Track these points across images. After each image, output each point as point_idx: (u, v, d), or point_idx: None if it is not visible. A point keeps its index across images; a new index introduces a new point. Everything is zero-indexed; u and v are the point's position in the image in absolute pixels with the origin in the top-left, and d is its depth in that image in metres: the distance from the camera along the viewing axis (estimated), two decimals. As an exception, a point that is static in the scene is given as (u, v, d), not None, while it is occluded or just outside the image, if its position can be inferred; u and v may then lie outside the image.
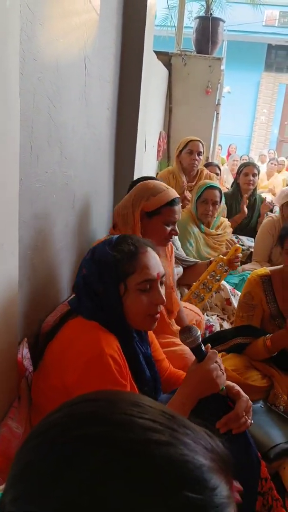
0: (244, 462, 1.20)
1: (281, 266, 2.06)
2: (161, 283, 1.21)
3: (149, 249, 1.21)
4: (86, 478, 0.37)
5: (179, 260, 2.50)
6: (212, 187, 2.88)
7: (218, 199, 2.89)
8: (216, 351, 1.24)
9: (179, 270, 2.47)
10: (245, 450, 1.21)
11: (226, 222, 3.18)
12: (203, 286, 2.42)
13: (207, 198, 2.86)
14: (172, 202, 1.77)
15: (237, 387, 1.28)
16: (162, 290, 1.21)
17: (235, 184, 4.10)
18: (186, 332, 1.23)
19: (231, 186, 4.31)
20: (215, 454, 0.42)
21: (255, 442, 1.45)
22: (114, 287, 1.15)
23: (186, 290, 2.55)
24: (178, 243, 2.65)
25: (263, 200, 4.17)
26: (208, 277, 2.39)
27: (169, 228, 1.80)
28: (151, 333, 1.41)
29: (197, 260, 2.62)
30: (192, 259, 2.61)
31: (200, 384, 1.18)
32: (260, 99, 12.74)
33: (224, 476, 0.41)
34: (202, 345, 1.23)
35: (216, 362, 1.20)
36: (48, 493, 0.38)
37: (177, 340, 1.74)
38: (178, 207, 1.82)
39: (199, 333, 1.23)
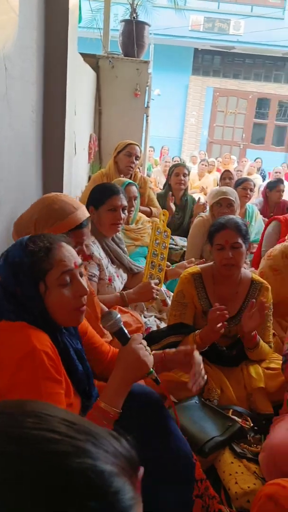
0: (176, 470, 1.22)
1: (211, 263, 2.12)
2: (81, 275, 1.19)
3: (63, 243, 1.18)
4: None
5: (130, 266, 2.52)
6: (130, 184, 2.94)
7: (137, 194, 2.96)
8: (140, 334, 1.25)
9: (124, 275, 2.47)
10: (176, 458, 1.24)
11: (144, 217, 3.24)
12: (154, 255, 2.44)
13: (129, 196, 2.90)
14: (81, 225, 1.60)
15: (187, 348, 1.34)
16: (84, 282, 1.19)
17: (167, 185, 4.18)
18: (106, 316, 1.24)
19: (163, 187, 4.39)
20: (118, 456, 0.42)
21: (190, 438, 1.49)
22: (32, 287, 1.11)
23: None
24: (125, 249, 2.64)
25: (194, 200, 4.28)
26: (154, 245, 2.41)
27: (76, 250, 1.70)
28: (84, 322, 1.38)
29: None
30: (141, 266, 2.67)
31: (128, 366, 1.18)
32: (189, 101, 13.05)
33: (128, 477, 0.41)
34: (124, 328, 1.24)
35: (141, 343, 1.21)
36: None
37: None
38: (87, 229, 1.67)
39: (119, 316, 1.24)
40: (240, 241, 1.96)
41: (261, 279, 2.16)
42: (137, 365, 1.17)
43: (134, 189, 2.95)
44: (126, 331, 1.25)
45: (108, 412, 1.13)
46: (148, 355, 1.20)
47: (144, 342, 1.23)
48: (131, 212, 2.98)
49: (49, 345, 1.10)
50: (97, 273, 2.17)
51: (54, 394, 1.06)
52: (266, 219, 4.52)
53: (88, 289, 1.19)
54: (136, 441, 1.20)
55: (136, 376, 1.18)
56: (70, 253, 1.17)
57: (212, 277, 2.05)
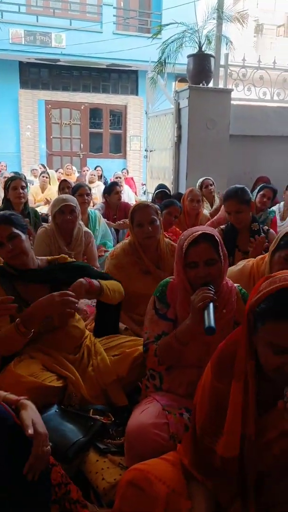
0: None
1: None
2: None
3: None
4: None
5: None
6: None
7: None
8: None
9: None
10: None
11: None
12: None
13: None
14: None
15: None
16: None
17: (5, 199, 4.06)
18: None
19: (2, 202, 4.26)
20: None
21: (54, 447, 1.45)
22: None
23: None
24: None
25: (36, 213, 4.23)
26: None
27: None
28: None
29: None
30: None
31: None
32: (22, 115, 12.77)
33: None
34: None
35: None
36: None
37: None
38: None
39: None
40: None
41: None
42: None
43: None
44: None
45: None
46: None
47: None
48: None
49: None
50: None
51: None
52: (111, 222, 4.70)
53: None
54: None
55: None
56: None
57: None
